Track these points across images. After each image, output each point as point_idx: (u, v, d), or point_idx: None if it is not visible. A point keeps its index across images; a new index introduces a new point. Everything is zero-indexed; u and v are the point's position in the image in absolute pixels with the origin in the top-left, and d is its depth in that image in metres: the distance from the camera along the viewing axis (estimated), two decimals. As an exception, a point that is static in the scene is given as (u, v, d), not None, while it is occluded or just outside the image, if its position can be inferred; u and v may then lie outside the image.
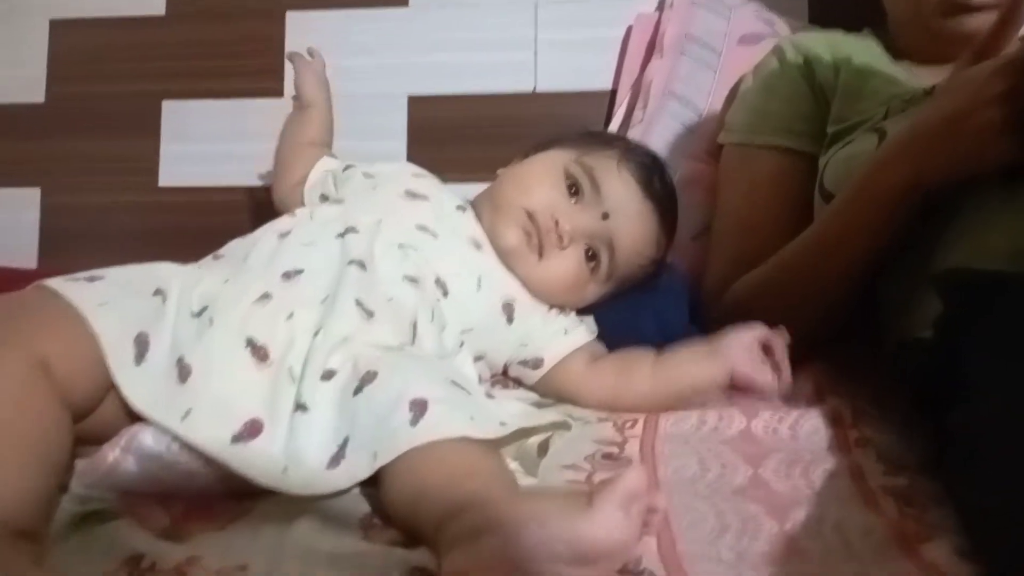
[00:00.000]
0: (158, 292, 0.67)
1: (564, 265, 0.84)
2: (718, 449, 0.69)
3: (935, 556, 0.51)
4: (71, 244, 1.49)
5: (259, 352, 0.65)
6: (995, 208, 0.72)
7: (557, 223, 0.83)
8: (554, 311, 0.88)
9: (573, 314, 0.90)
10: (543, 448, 0.67)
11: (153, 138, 1.49)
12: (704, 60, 1.25)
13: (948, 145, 0.72)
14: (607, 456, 0.68)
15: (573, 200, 0.85)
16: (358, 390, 0.62)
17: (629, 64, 1.32)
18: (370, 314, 0.70)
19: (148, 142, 1.49)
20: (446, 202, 0.87)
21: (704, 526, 0.55)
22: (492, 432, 0.59)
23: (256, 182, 1.45)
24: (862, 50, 1.03)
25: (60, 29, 1.54)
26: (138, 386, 0.61)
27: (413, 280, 0.75)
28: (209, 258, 0.81)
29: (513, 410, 0.70)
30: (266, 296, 0.69)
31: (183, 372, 0.62)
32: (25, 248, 1.51)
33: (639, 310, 0.92)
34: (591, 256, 0.86)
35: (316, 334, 0.67)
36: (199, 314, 0.66)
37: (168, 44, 1.51)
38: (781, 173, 0.99)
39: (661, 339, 0.87)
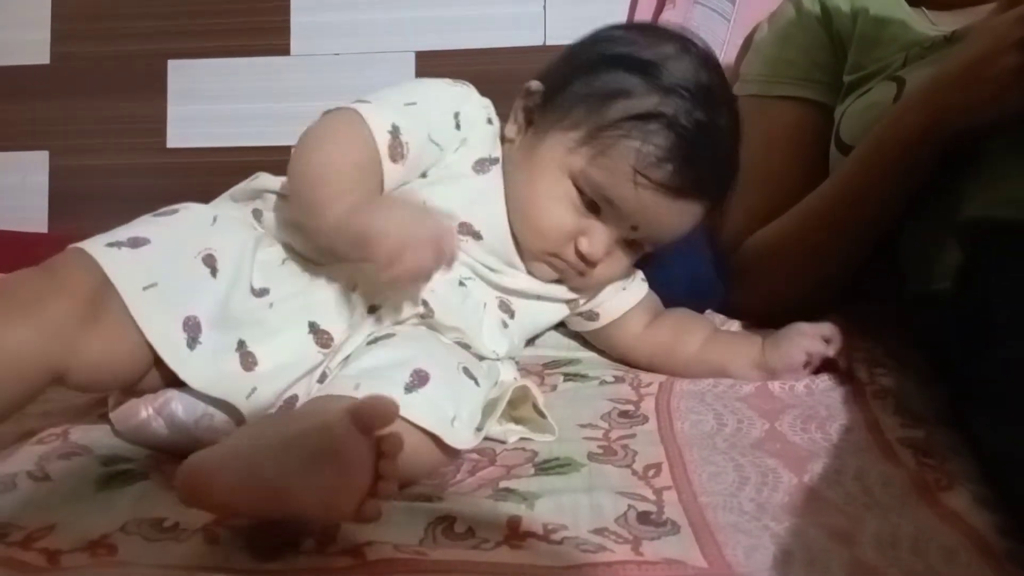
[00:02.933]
0: (209, 259, 0.63)
1: (608, 271, 0.77)
2: (734, 405, 0.69)
3: (956, 504, 0.51)
4: (81, 206, 1.49)
5: (321, 338, 0.65)
6: (1016, 156, 0.71)
7: (584, 256, 0.74)
8: None
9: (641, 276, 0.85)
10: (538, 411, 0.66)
11: (160, 98, 1.48)
12: (718, 9, 1.23)
13: (970, 90, 0.72)
14: (623, 415, 0.68)
15: (596, 216, 0.73)
16: (373, 342, 0.63)
17: (641, 14, 1.30)
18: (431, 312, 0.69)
19: (155, 102, 1.48)
20: None
21: (724, 478, 0.55)
22: (462, 443, 0.58)
23: (264, 141, 1.44)
24: (879, -3, 1.00)
25: (63, -11, 1.52)
26: (194, 368, 0.59)
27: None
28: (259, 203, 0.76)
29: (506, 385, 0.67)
30: (331, 280, 0.68)
31: (247, 361, 0.61)
32: (35, 211, 1.51)
33: (671, 269, 0.88)
34: (633, 244, 0.77)
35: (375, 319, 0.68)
36: (259, 294, 0.65)
37: (172, 2, 1.49)
38: (798, 124, 0.97)
39: (692, 297, 0.87)
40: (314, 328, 0.65)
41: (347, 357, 0.64)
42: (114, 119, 1.49)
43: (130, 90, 1.49)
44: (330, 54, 1.45)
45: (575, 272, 0.75)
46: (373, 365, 0.61)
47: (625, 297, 0.82)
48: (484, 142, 0.76)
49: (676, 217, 0.73)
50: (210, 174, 1.45)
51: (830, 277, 0.85)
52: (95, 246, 0.59)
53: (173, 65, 1.48)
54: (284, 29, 1.45)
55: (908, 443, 0.61)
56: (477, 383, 0.64)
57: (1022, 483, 0.50)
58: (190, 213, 0.68)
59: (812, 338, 0.76)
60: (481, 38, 1.40)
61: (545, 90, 0.75)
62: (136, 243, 0.60)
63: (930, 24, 0.96)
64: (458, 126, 0.73)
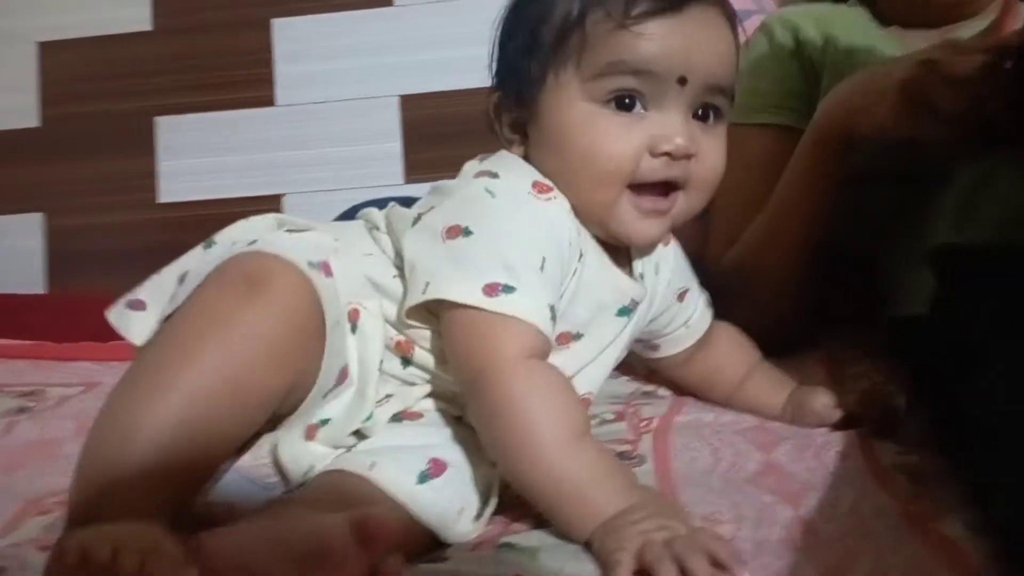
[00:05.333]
0: (355, 314, 0.62)
1: (711, 159, 0.66)
2: (731, 439, 0.70)
3: (948, 532, 0.52)
4: (77, 266, 1.50)
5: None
6: (981, 180, 0.73)
7: (671, 152, 0.62)
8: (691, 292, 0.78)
9: (703, 297, 0.80)
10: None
11: (149, 155, 1.50)
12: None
13: (866, 98, 0.80)
14: (621, 456, 0.69)
15: (644, 113, 0.63)
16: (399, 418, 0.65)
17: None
18: None
19: (144, 159, 1.50)
20: None
21: (721, 518, 0.56)
22: (461, 536, 0.58)
23: (253, 192, 1.46)
24: (850, 22, 1.03)
25: (49, 51, 1.54)
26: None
27: None
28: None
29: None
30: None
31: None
32: (30, 273, 1.52)
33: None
34: (704, 114, 0.65)
35: None
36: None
37: (157, 59, 1.52)
38: (775, 151, 0.99)
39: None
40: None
41: (370, 416, 0.63)
42: (105, 178, 1.51)
43: (119, 147, 1.51)
44: (313, 102, 1.47)
45: (681, 177, 0.63)
46: (394, 444, 0.61)
47: (687, 335, 0.79)
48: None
49: (701, 33, 0.63)
50: (201, 226, 1.46)
51: (784, 293, 0.89)
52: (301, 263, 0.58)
53: (160, 122, 1.50)
54: (267, 80, 1.48)
55: (902, 469, 0.62)
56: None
57: (1008, 508, 0.51)
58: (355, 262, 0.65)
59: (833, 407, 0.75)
60: (464, 80, 1.42)
61: (502, 89, 0.68)
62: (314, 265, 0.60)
63: (900, 45, 0.98)
64: (571, 244, 0.64)
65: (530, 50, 0.64)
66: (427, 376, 0.65)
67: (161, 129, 1.50)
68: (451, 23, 1.45)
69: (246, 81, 1.49)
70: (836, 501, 0.57)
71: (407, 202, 0.74)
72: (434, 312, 0.61)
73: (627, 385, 0.87)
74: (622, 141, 0.62)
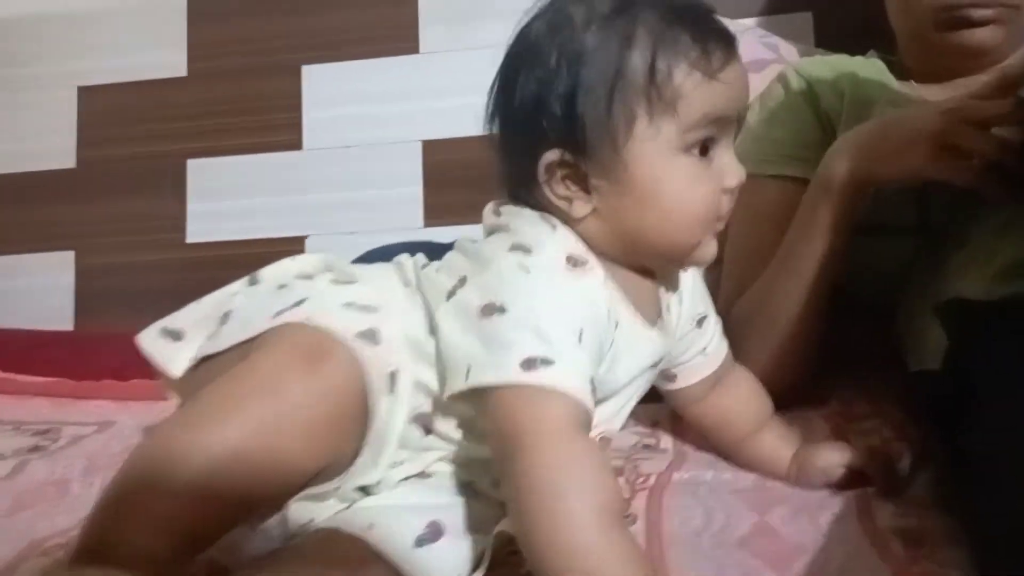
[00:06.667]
0: (392, 376, 0.62)
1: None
2: (726, 499, 0.69)
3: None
4: (105, 304, 1.54)
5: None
6: (989, 234, 0.72)
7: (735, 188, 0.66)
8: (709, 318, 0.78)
9: (719, 325, 0.79)
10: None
11: (179, 196, 1.53)
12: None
13: (890, 144, 0.81)
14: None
15: (711, 152, 0.64)
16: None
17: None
18: None
19: (175, 200, 1.53)
20: None
21: (705, 582, 0.55)
22: None
23: (280, 233, 1.48)
24: (867, 73, 1.02)
25: (87, 95, 1.59)
26: None
27: None
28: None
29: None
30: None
31: None
32: (60, 309, 1.56)
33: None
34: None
35: None
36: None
37: (190, 104, 1.56)
38: (786, 201, 0.98)
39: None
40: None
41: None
42: (136, 218, 1.55)
43: (151, 188, 1.55)
44: (340, 147, 1.50)
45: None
46: (395, 504, 0.61)
47: (705, 363, 0.77)
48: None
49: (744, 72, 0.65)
50: (228, 267, 1.48)
51: (794, 343, 0.88)
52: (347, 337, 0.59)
53: (192, 164, 1.54)
54: (297, 124, 1.51)
55: (899, 532, 0.61)
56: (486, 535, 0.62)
57: (1008, 559, 0.49)
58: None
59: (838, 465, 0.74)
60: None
61: (564, 148, 0.63)
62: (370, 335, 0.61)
63: (916, 97, 0.98)
64: (608, 315, 0.63)
65: (609, 105, 0.62)
66: (446, 445, 0.65)
67: (192, 172, 1.54)
68: (474, 70, 1.47)
69: (275, 126, 1.52)
70: (826, 564, 0.56)
71: (431, 248, 0.76)
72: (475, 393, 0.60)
73: (629, 437, 0.86)
74: (709, 184, 0.64)
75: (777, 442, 0.78)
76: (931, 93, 0.97)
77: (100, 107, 1.59)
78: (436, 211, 1.46)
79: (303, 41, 1.53)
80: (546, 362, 0.56)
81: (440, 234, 1.30)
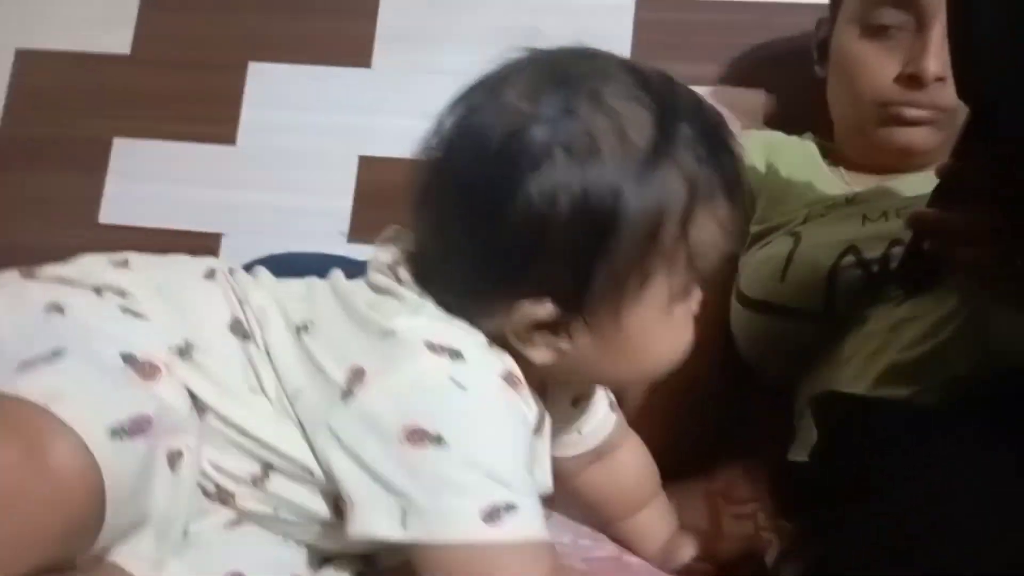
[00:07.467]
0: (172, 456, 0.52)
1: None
2: (575, 566, 0.65)
3: None
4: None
5: None
6: (885, 330, 0.71)
7: None
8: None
9: (605, 403, 0.71)
10: None
11: (99, 175, 1.47)
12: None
13: None
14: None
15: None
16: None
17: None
18: None
19: (94, 179, 1.47)
20: None
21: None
22: None
23: (196, 227, 1.43)
24: (797, 153, 1.02)
25: (25, 60, 1.53)
26: None
27: None
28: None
29: None
30: None
31: None
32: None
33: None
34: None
35: None
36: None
37: (128, 84, 1.50)
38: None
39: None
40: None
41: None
42: (52, 194, 1.48)
43: (72, 164, 1.48)
44: (274, 148, 1.45)
45: None
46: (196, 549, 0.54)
47: (579, 441, 0.70)
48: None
49: None
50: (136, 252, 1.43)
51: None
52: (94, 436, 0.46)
53: (118, 144, 1.48)
54: (232, 120, 1.46)
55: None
56: None
57: None
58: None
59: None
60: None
61: (556, 302, 0.53)
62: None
63: (843, 184, 0.97)
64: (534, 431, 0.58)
65: (630, 269, 0.53)
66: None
67: (117, 151, 1.48)
68: (426, 93, 1.44)
69: (211, 118, 1.47)
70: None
71: (348, 264, 0.65)
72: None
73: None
74: (691, 324, 0.59)
75: (651, 525, 0.74)
76: (857, 181, 0.97)
77: (36, 75, 1.52)
78: (363, 228, 1.42)
79: (256, 39, 1.49)
80: (510, 508, 0.49)
81: (362, 252, 1.25)
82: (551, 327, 0.54)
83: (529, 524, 0.49)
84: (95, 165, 1.48)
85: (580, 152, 0.51)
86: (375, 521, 0.50)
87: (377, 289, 0.58)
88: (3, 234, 1.47)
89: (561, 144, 0.51)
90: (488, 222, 0.52)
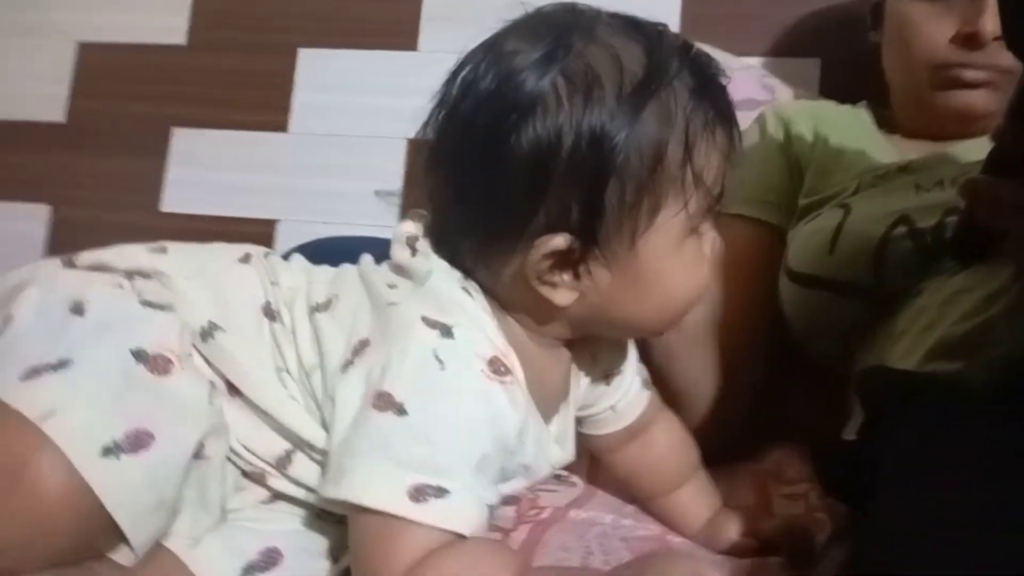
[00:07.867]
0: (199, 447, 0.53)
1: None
2: (614, 545, 0.64)
3: None
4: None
5: None
6: (938, 303, 0.68)
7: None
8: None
9: (638, 380, 0.72)
10: None
11: (159, 160, 1.51)
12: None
13: None
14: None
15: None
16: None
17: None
18: None
19: (154, 164, 1.51)
20: None
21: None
22: None
23: (257, 214, 1.46)
24: (848, 122, 0.99)
25: (86, 51, 1.58)
26: None
27: None
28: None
29: None
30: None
31: None
32: (31, 259, 1.53)
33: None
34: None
35: None
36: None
37: (185, 72, 1.54)
38: (747, 243, 0.94)
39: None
40: None
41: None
42: (116, 178, 1.52)
43: (134, 151, 1.53)
44: (326, 134, 1.47)
45: None
46: (229, 524, 0.56)
47: (614, 419, 0.71)
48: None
49: None
50: (193, 239, 1.46)
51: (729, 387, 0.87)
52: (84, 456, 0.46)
53: (177, 132, 1.52)
54: (284, 106, 1.48)
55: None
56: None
57: None
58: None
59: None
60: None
61: (574, 234, 0.54)
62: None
63: (898, 152, 0.94)
64: (519, 435, 0.56)
65: (641, 194, 0.54)
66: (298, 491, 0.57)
67: (176, 140, 1.52)
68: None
69: (264, 104, 1.49)
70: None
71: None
72: None
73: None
74: (704, 262, 0.60)
75: (693, 502, 0.74)
76: (913, 149, 0.93)
77: (97, 65, 1.57)
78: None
79: (303, 24, 1.51)
80: (441, 493, 0.48)
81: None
82: (572, 265, 0.55)
83: (455, 515, 0.49)
84: (155, 150, 1.51)
85: (580, 83, 0.53)
86: (325, 478, 0.52)
87: (395, 268, 0.59)
88: (77, 212, 1.52)
89: (562, 76, 0.53)
90: (497, 160, 0.53)
